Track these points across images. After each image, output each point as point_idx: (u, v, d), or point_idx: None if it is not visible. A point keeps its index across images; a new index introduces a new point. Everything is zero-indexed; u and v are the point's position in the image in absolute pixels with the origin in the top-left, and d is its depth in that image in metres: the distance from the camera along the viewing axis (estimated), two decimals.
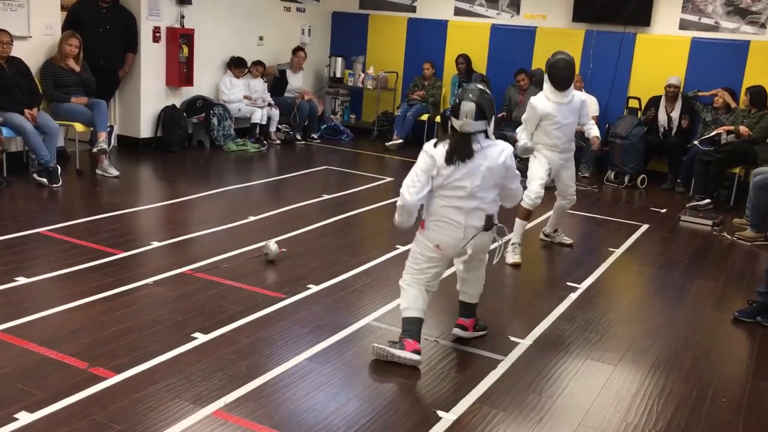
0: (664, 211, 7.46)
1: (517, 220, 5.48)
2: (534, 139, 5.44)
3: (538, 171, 5.44)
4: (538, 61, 9.41)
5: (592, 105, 8.95)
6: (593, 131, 5.63)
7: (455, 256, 3.70)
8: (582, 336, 4.18)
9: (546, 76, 5.32)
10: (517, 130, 5.58)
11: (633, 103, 9.06)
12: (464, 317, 3.95)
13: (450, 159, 3.44)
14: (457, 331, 3.93)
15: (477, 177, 3.46)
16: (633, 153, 8.48)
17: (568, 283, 5.03)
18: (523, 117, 5.48)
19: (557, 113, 5.31)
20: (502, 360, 3.76)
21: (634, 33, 9.12)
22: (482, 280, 3.91)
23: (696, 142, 8.08)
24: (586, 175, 8.82)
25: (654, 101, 8.75)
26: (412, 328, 3.64)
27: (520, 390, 3.47)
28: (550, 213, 5.98)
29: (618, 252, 5.90)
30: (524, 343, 3.99)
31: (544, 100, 5.32)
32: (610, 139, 8.72)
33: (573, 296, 4.79)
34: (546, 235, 6.00)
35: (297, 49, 9.88)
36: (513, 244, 5.46)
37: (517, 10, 9.87)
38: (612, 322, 4.46)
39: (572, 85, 5.36)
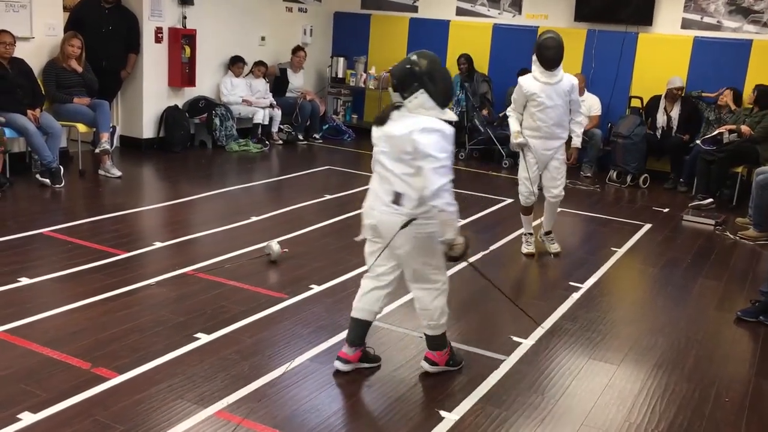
0: (666, 210, 7.45)
1: (521, 216, 5.63)
2: (523, 125, 5.34)
3: (522, 171, 5.43)
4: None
5: (595, 104, 8.97)
6: (575, 139, 5.43)
7: (372, 235, 3.37)
8: (585, 336, 4.18)
9: (534, 56, 5.20)
10: (507, 111, 5.52)
11: (635, 103, 9.05)
12: (431, 350, 3.54)
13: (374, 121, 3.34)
14: (423, 364, 3.55)
15: (385, 143, 3.25)
16: (635, 152, 8.48)
17: (571, 283, 5.03)
18: (512, 97, 5.40)
19: (542, 93, 5.17)
20: (505, 360, 3.76)
21: (636, 32, 9.10)
22: (433, 312, 3.42)
23: (698, 142, 8.07)
24: (589, 174, 8.81)
25: (655, 100, 8.75)
26: (349, 333, 3.51)
27: (522, 390, 3.47)
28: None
29: (620, 252, 5.90)
30: (526, 343, 3.99)
31: (530, 80, 5.22)
32: (612, 139, 8.73)
33: (575, 296, 4.79)
34: (545, 234, 5.83)
35: (297, 49, 9.89)
36: (525, 234, 5.65)
37: (519, 10, 9.86)
38: (614, 321, 4.46)
39: (560, 66, 5.18)
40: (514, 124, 5.38)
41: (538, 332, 4.15)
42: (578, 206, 7.33)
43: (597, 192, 8.16)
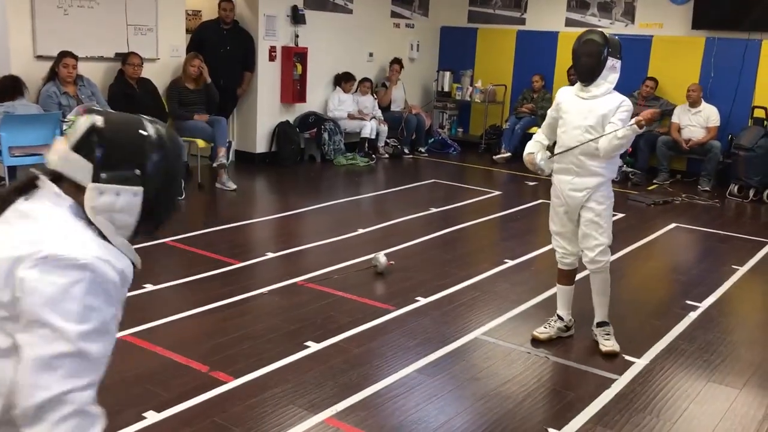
0: None
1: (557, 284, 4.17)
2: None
3: (550, 221, 4.06)
4: (654, 71, 9.10)
5: (713, 115, 8.58)
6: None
7: None
8: (702, 357, 3.99)
9: None
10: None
11: (758, 113, 8.56)
12: None
13: None
14: None
15: None
16: (759, 165, 8.01)
17: (688, 302, 4.81)
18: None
19: (570, 108, 3.82)
20: (617, 379, 3.64)
21: (759, 39, 8.63)
22: None
23: None
24: (707, 188, 8.42)
25: None
26: None
27: (636, 411, 3.35)
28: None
29: (742, 270, 5.58)
30: (640, 363, 3.85)
31: (567, 89, 3.96)
32: (733, 151, 8.29)
33: (693, 315, 4.57)
34: (596, 326, 4.07)
35: (393, 62, 9.99)
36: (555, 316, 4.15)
37: (632, 19, 9.58)
38: (736, 343, 4.23)
39: (600, 79, 3.73)
40: (531, 144, 4.02)
41: (653, 352, 3.99)
42: (695, 221, 7.00)
43: (716, 207, 7.76)
